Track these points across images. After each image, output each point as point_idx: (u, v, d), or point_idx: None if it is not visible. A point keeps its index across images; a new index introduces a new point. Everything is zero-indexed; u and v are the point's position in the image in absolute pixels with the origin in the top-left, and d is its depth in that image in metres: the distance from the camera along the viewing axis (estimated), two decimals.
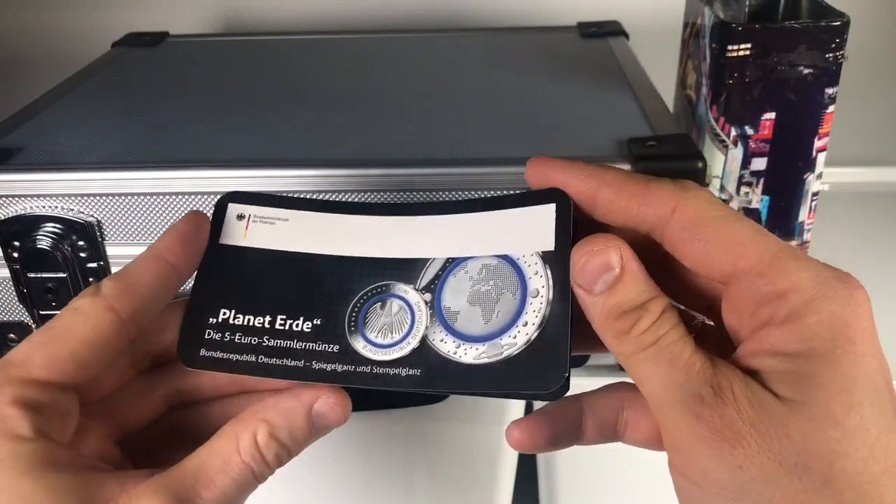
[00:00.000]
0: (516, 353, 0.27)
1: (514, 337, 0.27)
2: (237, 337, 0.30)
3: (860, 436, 0.23)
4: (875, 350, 0.24)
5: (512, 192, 0.31)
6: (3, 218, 0.43)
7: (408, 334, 0.29)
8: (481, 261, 0.29)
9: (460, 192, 0.42)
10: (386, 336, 0.29)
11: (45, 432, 0.26)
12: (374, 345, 0.29)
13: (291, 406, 0.29)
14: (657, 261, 0.28)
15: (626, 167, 0.41)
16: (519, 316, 0.27)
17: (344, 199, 0.42)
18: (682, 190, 0.27)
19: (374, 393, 0.32)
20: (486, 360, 0.27)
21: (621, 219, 0.28)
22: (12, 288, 0.45)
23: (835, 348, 0.24)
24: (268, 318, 0.30)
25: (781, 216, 0.49)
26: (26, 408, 0.26)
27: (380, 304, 0.30)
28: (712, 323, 0.29)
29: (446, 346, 0.28)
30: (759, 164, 0.48)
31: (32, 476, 0.25)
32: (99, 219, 0.43)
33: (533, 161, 0.30)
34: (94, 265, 0.44)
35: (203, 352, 0.30)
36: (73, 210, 0.43)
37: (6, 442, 0.25)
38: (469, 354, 0.27)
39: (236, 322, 0.30)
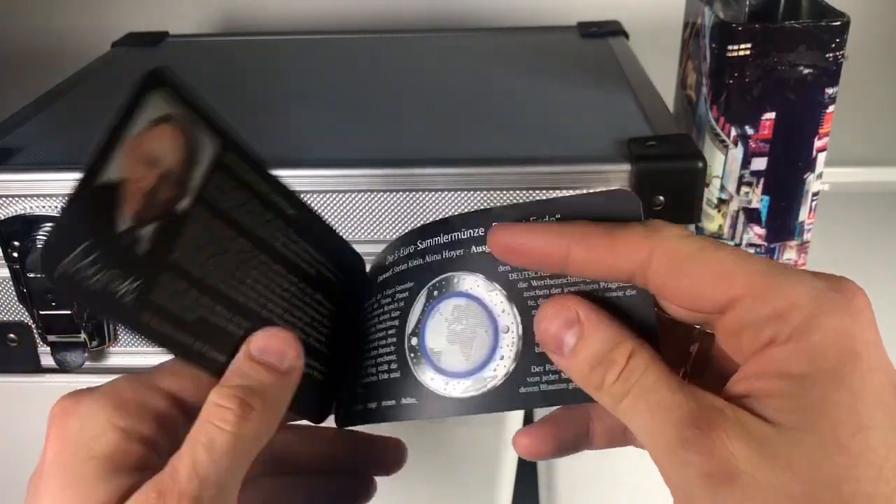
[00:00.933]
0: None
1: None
2: None
3: (867, 458, 0.23)
4: (881, 362, 0.24)
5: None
6: (3, 218, 0.43)
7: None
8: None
9: (460, 192, 0.42)
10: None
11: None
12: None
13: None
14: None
15: (626, 167, 0.41)
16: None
17: (346, 200, 0.42)
18: (653, 232, 0.26)
19: None
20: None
21: (596, 273, 0.27)
22: (12, 288, 0.45)
23: (842, 366, 0.23)
24: None
25: (781, 216, 0.49)
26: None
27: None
28: (712, 332, 0.28)
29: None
30: (759, 164, 0.48)
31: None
32: None
33: (495, 231, 0.29)
34: None
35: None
36: None
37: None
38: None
39: None
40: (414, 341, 0.30)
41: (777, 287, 0.25)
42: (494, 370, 0.28)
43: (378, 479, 0.38)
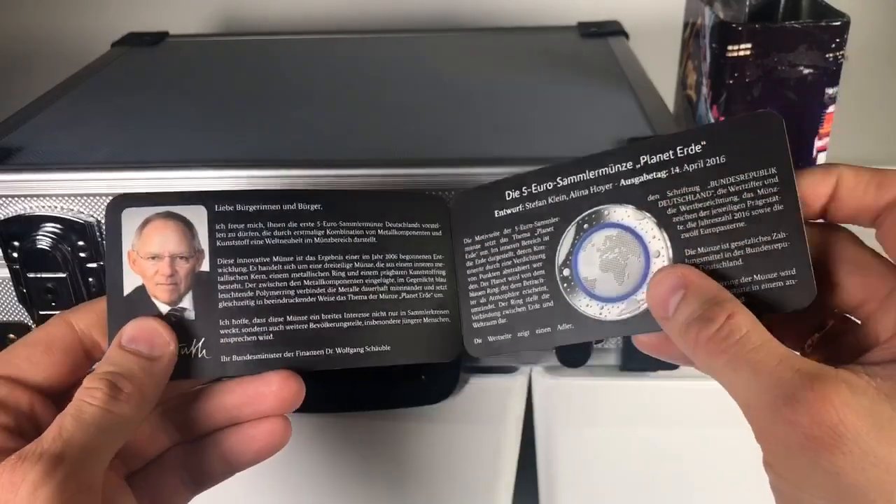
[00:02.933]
0: None
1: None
2: None
3: None
4: None
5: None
6: (3, 218, 0.43)
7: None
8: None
9: None
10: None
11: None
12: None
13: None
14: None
15: None
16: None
17: None
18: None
19: (371, 392, 0.32)
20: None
21: (853, 208, 0.28)
22: (12, 288, 0.45)
23: None
24: None
25: None
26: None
27: None
28: (858, 321, 0.29)
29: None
30: None
31: None
32: (99, 219, 0.43)
33: None
34: (93, 265, 0.44)
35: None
36: (72, 210, 0.43)
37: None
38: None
39: None
40: (566, 272, 0.32)
41: None
42: (646, 292, 0.31)
43: (378, 478, 0.38)
